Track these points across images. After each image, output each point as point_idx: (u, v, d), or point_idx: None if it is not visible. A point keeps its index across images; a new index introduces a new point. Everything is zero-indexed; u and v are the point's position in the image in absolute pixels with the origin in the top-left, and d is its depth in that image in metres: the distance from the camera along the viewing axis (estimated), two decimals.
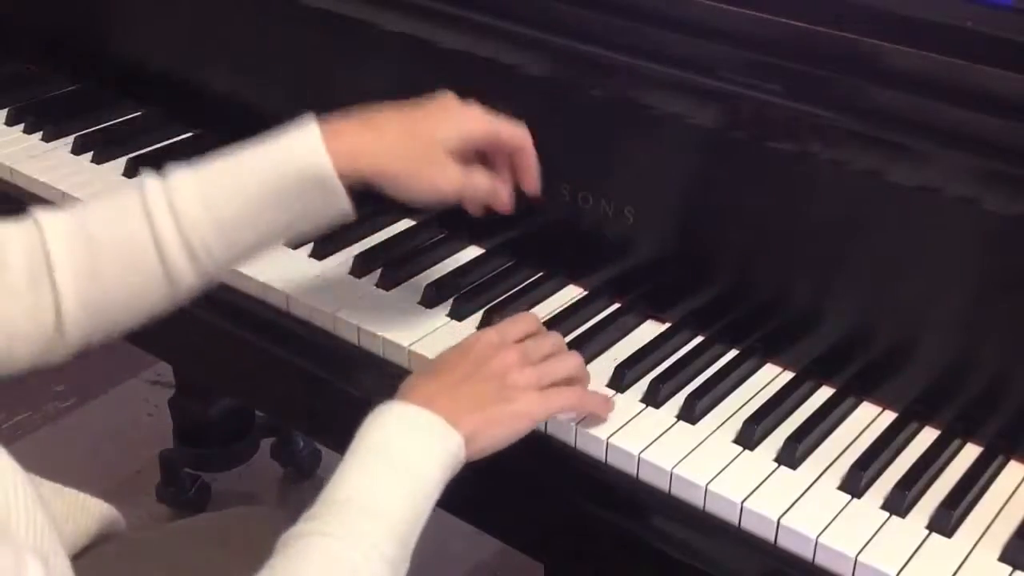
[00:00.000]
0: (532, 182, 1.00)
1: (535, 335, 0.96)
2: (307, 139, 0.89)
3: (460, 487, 0.85)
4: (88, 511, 1.01)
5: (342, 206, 0.91)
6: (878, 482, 0.92)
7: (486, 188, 0.97)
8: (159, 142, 1.39)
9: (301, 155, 0.89)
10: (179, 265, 0.88)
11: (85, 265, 0.86)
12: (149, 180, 0.88)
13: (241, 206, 0.88)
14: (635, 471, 0.93)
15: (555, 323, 1.07)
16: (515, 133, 0.98)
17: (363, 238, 1.20)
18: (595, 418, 0.95)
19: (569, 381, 0.94)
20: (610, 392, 1.00)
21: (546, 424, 0.95)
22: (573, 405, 0.94)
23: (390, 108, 0.94)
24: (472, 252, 1.19)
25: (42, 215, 0.87)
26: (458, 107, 0.95)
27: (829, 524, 0.87)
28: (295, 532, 0.79)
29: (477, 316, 1.09)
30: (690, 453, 0.93)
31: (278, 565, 0.77)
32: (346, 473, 0.82)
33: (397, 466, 0.82)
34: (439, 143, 0.92)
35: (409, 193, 0.93)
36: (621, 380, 1.00)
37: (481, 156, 0.98)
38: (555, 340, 0.96)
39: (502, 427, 0.88)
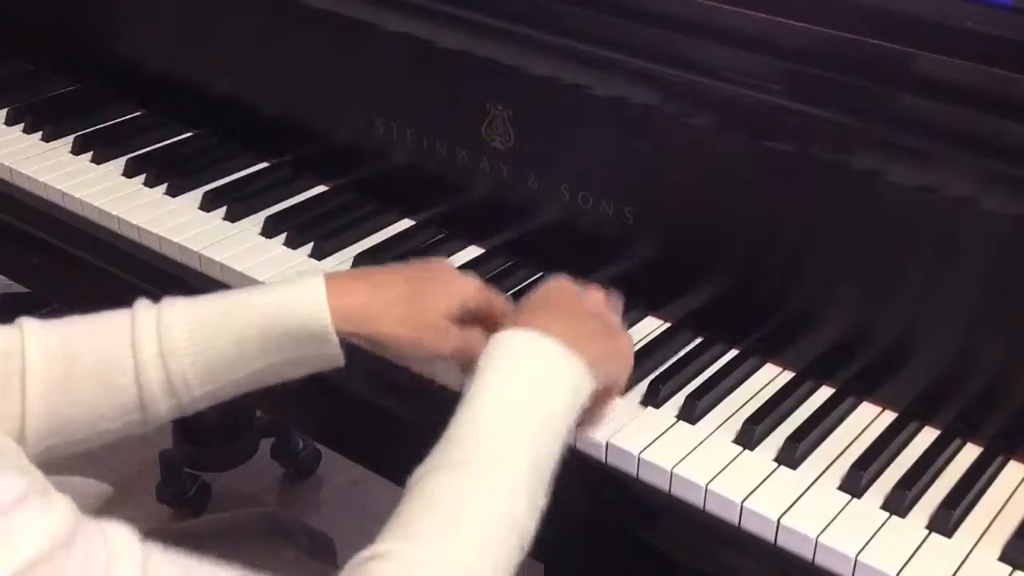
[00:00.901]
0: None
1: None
2: (311, 294, 0.90)
3: None
4: (85, 494, 1.01)
5: (334, 359, 0.92)
6: (878, 482, 0.92)
7: (481, 344, 0.98)
8: (159, 142, 1.39)
9: (303, 308, 0.90)
10: (155, 396, 0.88)
11: (59, 376, 0.86)
12: (141, 307, 0.89)
13: (232, 350, 0.89)
14: (635, 471, 0.93)
15: None
16: (505, 306, 1.00)
17: (363, 238, 1.20)
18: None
19: None
20: None
21: None
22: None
23: (393, 271, 0.97)
24: (472, 252, 1.19)
25: (27, 321, 0.87)
26: (457, 279, 0.98)
27: (829, 524, 0.87)
28: (426, 469, 0.77)
29: None
30: (690, 453, 0.93)
31: (411, 506, 0.75)
32: (477, 402, 0.81)
33: (530, 385, 0.82)
34: (440, 310, 0.94)
35: (407, 356, 0.98)
36: None
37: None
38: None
39: (612, 363, 0.91)
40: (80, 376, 0.87)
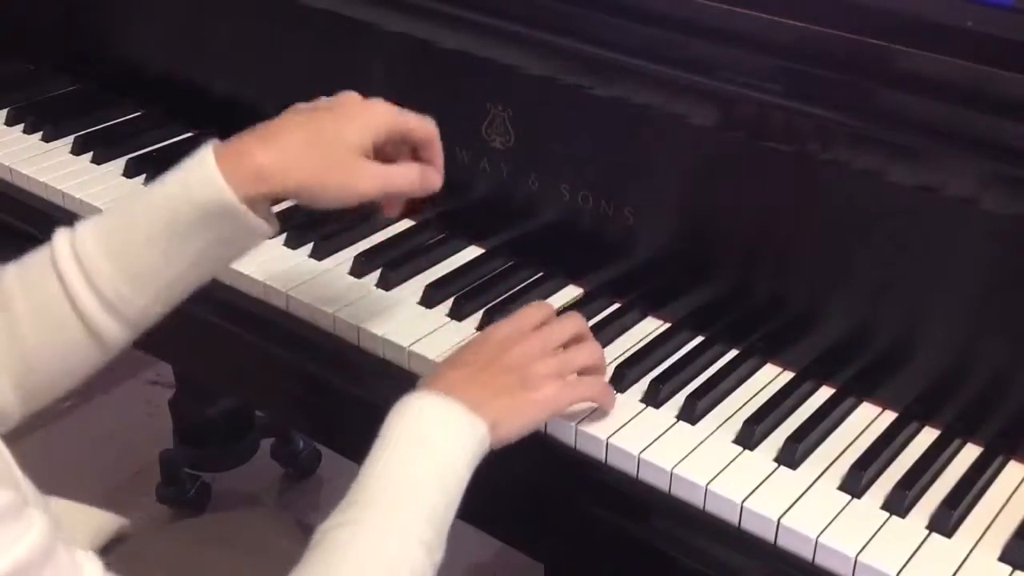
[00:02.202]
0: (438, 176, 0.95)
1: (552, 322, 0.96)
2: (202, 171, 0.85)
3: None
4: (100, 528, 1.01)
5: (259, 228, 0.87)
6: (878, 482, 0.92)
7: (413, 175, 0.92)
8: (159, 142, 1.39)
9: (197, 189, 0.84)
10: (99, 319, 0.86)
11: (4, 330, 0.86)
12: (58, 236, 0.87)
13: (150, 251, 0.85)
14: (635, 471, 0.93)
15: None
16: (423, 124, 0.93)
17: (363, 238, 1.20)
18: (603, 412, 0.96)
19: (589, 369, 0.95)
20: None
21: (546, 424, 0.95)
22: (593, 396, 0.95)
23: (290, 117, 0.90)
24: (472, 252, 1.19)
25: None
26: (361, 105, 0.91)
27: (829, 524, 0.87)
28: (328, 525, 0.79)
29: (477, 316, 1.09)
30: (690, 453, 0.93)
31: (313, 559, 0.78)
32: (374, 464, 0.83)
33: (424, 454, 0.83)
34: (348, 145, 0.88)
35: (326, 202, 0.88)
36: (621, 380, 1.00)
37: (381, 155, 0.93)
38: (575, 323, 0.96)
39: (524, 415, 0.89)
40: (26, 325, 0.86)
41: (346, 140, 0.88)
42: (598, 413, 0.96)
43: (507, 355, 0.90)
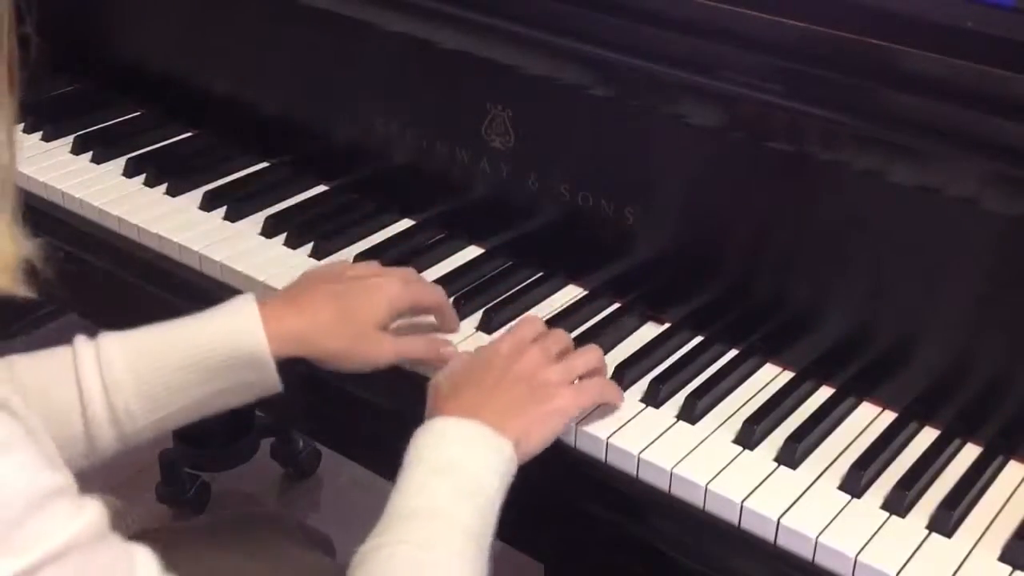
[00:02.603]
0: (452, 328, 1.06)
1: (544, 335, 0.97)
2: (246, 321, 0.93)
3: None
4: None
5: (272, 384, 0.95)
6: (878, 482, 0.92)
7: (422, 349, 1.01)
8: (159, 142, 1.39)
9: (239, 336, 0.93)
10: (101, 428, 0.90)
11: None
12: (81, 342, 0.90)
13: (173, 380, 0.91)
14: (635, 471, 0.93)
15: (555, 323, 1.07)
16: (433, 296, 1.04)
17: (363, 238, 1.20)
18: (608, 410, 0.97)
19: (591, 372, 0.96)
20: None
21: None
22: (604, 397, 0.96)
23: (319, 292, 0.99)
24: (472, 252, 1.19)
25: None
26: (381, 281, 1.01)
27: (829, 524, 0.87)
28: (370, 547, 0.79)
29: (477, 316, 1.09)
30: (690, 453, 0.93)
31: None
32: (406, 490, 0.83)
33: (456, 479, 0.83)
34: (371, 321, 0.98)
35: (344, 368, 0.99)
36: (621, 380, 1.00)
37: None
38: (563, 334, 0.98)
39: (544, 426, 0.90)
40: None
41: (369, 317, 0.98)
42: (598, 413, 0.96)
43: (514, 369, 0.91)
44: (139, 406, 0.91)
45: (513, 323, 1.07)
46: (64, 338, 0.93)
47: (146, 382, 0.91)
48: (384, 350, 0.99)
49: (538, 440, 0.89)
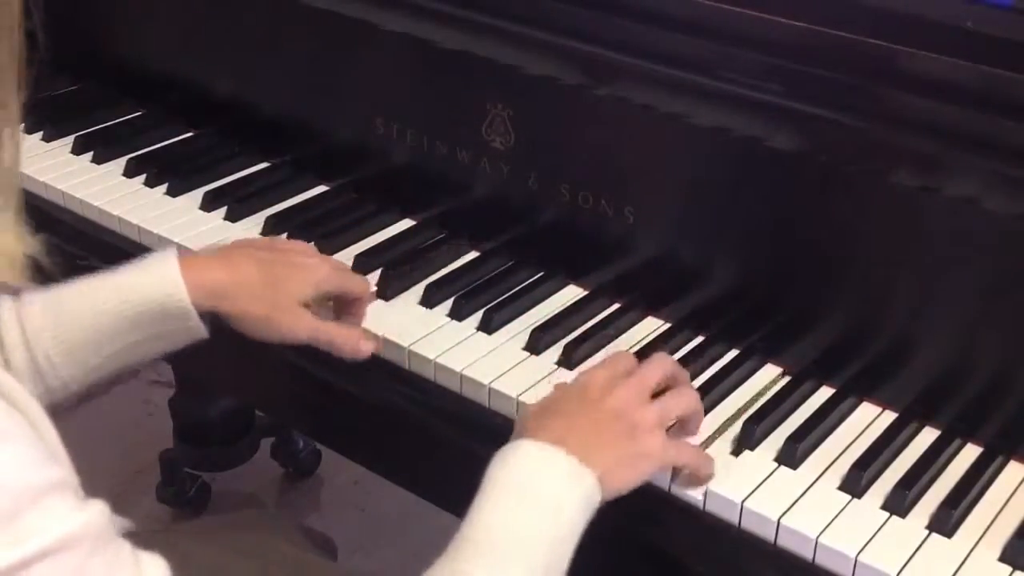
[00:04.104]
0: (362, 340, 1.03)
1: (642, 367, 0.92)
2: (165, 270, 0.94)
3: (460, 485, 0.85)
4: None
5: (196, 331, 0.96)
6: (878, 482, 0.92)
7: (339, 335, 1.01)
8: (159, 142, 1.39)
9: (156, 285, 0.93)
10: (22, 380, 0.89)
11: None
12: (2, 298, 0.90)
13: (92, 330, 0.92)
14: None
15: (554, 323, 1.07)
16: (361, 286, 1.05)
17: (363, 238, 1.20)
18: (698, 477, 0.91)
19: (687, 416, 0.92)
20: None
21: None
22: (694, 464, 0.90)
23: (250, 252, 1.00)
24: (472, 252, 1.19)
25: None
26: (313, 261, 1.02)
27: (829, 524, 0.87)
28: (437, 571, 0.77)
29: (477, 316, 1.09)
30: None
31: None
32: (483, 512, 0.79)
33: (536, 505, 0.79)
34: (295, 295, 0.98)
35: (259, 334, 0.98)
36: None
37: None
38: (664, 363, 0.92)
39: (631, 468, 0.85)
40: None
41: (294, 290, 0.99)
42: None
43: (607, 402, 0.87)
44: (60, 357, 0.91)
45: (513, 322, 1.08)
46: None
47: (65, 333, 0.91)
48: (301, 325, 0.98)
49: (625, 480, 0.85)
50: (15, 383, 0.61)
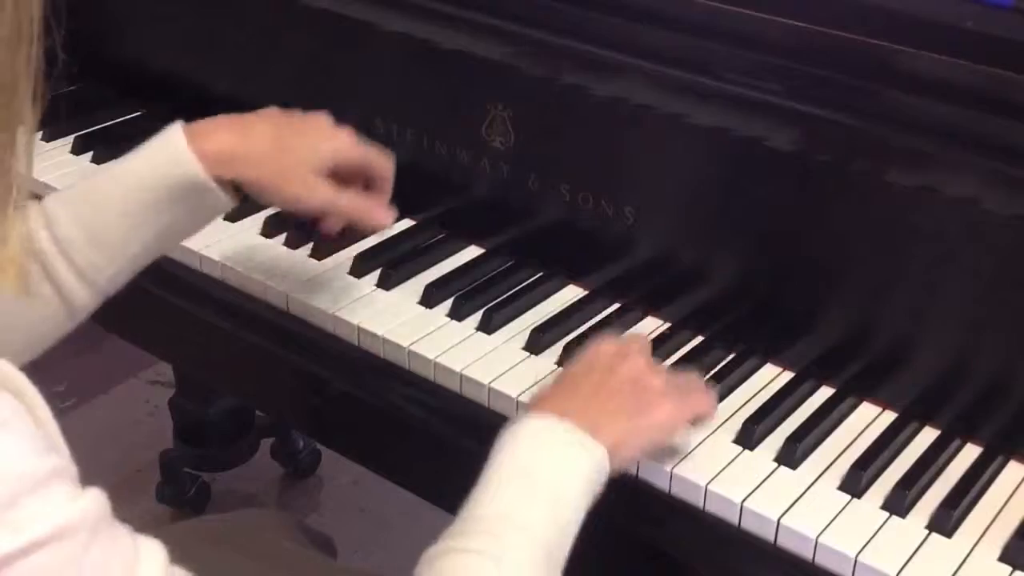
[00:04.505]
0: (384, 212, 1.01)
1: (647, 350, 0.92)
2: (172, 147, 0.91)
3: (461, 485, 0.85)
4: None
5: (222, 202, 0.93)
6: (878, 482, 0.92)
7: (359, 206, 0.98)
8: None
9: (168, 164, 0.91)
10: (71, 286, 0.90)
11: None
12: (30, 211, 0.89)
13: (121, 222, 0.91)
14: (635, 471, 0.93)
15: (555, 323, 1.07)
16: (382, 160, 1.01)
17: (363, 238, 1.20)
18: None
19: (691, 380, 0.93)
20: None
21: None
22: (707, 409, 0.91)
23: (264, 117, 0.96)
24: (472, 252, 1.19)
25: None
26: (330, 129, 0.98)
27: (829, 524, 0.87)
28: (438, 550, 0.76)
29: (477, 316, 1.09)
30: (690, 453, 0.93)
31: None
32: (487, 489, 0.79)
33: (540, 481, 0.79)
34: (310, 160, 0.95)
35: (275, 203, 0.97)
36: None
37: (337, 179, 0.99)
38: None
39: (642, 436, 0.86)
40: None
41: (309, 155, 0.95)
42: None
43: (618, 371, 0.87)
44: (99, 256, 0.90)
45: (513, 322, 1.08)
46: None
47: (96, 232, 0.90)
48: (315, 194, 0.95)
49: (635, 449, 0.85)
50: (14, 370, 0.61)
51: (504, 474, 0.80)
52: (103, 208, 0.90)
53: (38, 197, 1.30)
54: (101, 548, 0.61)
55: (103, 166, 0.92)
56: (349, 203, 0.98)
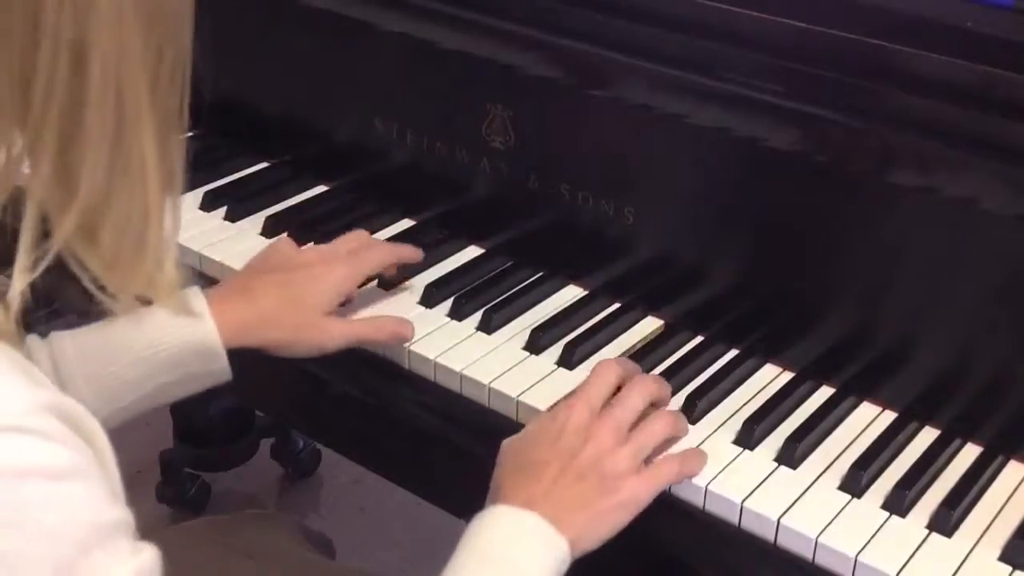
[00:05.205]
0: (414, 257, 1.11)
1: (618, 400, 0.91)
2: (197, 314, 0.94)
3: (460, 485, 0.85)
4: None
5: (223, 373, 0.96)
6: (878, 482, 0.92)
7: (372, 332, 1.03)
8: None
9: (189, 329, 0.93)
10: None
11: None
12: (33, 339, 0.90)
13: (125, 374, 0.92)
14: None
15: (554, 323, 1.07)
16: (378, 261, 1.07)
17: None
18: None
19: (667, 441, 0.91)
20: None
21: None
22: (676, 478, 0.90)
23: (265, 280, 1.00)
24: (472, 252, 1.19)
25: None
26: (325, 272, 1.02)
27: (829, 524, 0.87)
28: None
29: (477, 316, 1.09)
30: None
31: None
32: (457, 573, 0.80)
33: (503, 572, 0.80)
34: (317, 308, 1.00)
35: (294, 354, 1.01)
36: None
37: None
38: (647, 388, 0.92)
39: (606, 522, 0.85)
40: None
41: (316, 303, 1.00)
42: None
43: (580, 457, 0.86)
44: (93, 401, 0.90)
45: (513, 322, 1.08)
46: None
47: (100, 377, 0.91)
48: (333, 335, 1.00)
49: (597, 537, 0.85)
50: (88, 416, 0.61)
51: (471, 559, 0.81)
52: (114, 356, 0.92)
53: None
54: None
55: (118, 318, 0.93)
56: (368, 331, 1.02)
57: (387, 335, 1.02)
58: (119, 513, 0.61)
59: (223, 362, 0.95)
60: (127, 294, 0.66)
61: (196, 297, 0.95)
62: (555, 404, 0.93)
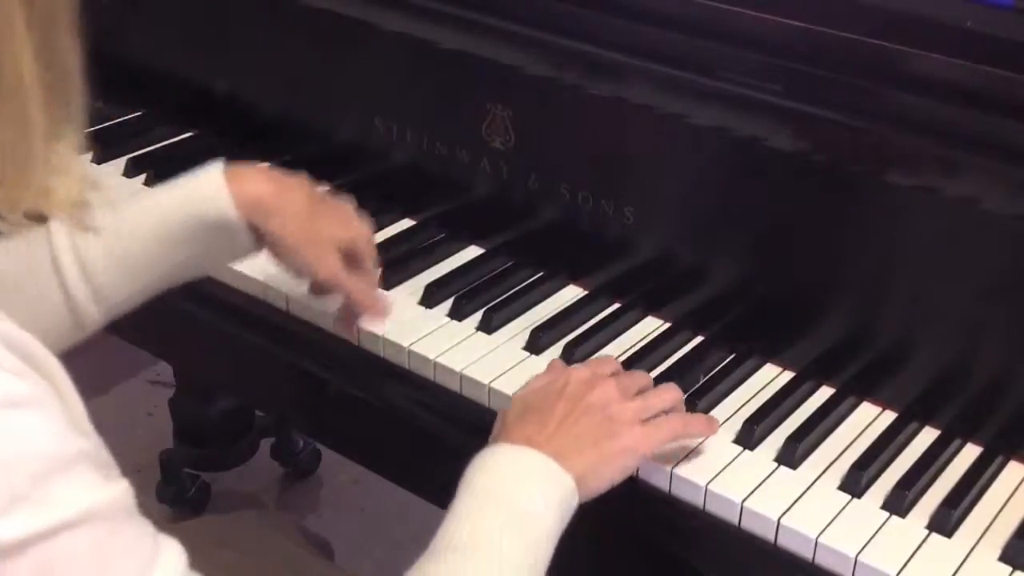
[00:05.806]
0: (383, 305, 1.06)
1: (623, 373, 0.93)
2: (210, 185, 0.94)
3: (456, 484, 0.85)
4: None
5: (246, 245, 0.96)
6: (878, 482, 0.92)
7: (356, 288, 1.02)
8: (159, 142, 1.39)
9: (204, 200, 0.93)
10: (85, 305, 0.91)
11: None
12: (55, 225, 0.89)
13: (146, 250, 0.93)
14: (635, 471, 0.93)
15: (554, 323, 1.07)
16: (372, 251, 1.05)
17: None
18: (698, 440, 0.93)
19: (669, 411, 0.92)
20: None
21: None
22: (679, 433, 0.91)
23: (300, 181, 1.00)
24: (472, 252, 1.19)
25: None
26: (355, 218, 1.03)
27: (829, 524, 0.87)
28: (413, 573, 0.77)
29: (477, 316, 1.09)
30: (690, 454, 0.93)
31: None
32: (457, 519, 0.79)
33: (508, 511, 0.79)
34: (331, 237, 0.99)
35: (284, 259, 1.00)
36: None
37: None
38: (645, 376, 0.94)
39: (610, 465, 0.85)
40: (8, 297, 0.88)
41: (333, 233, 1.00)
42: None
43: (587, 399, 0.87)
44: (119, 278, 0.92)
45: (513, 322, 1.08)
46: None
47: (121, 256, 0.92)
48: (328, 266, 0.99)
49: (605, 478, 0.85)
50: (47, 354, 0.60)
51: (474, 499, 0.80)
52: (131, 234, 0.92)
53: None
54: (124, 539, 0.61)
55: (138, 193, 0.93)
56: (355, 286, 1.02)
57: (370, 304, 1.03)
58: (80, 444, 0.60)
59: (244, 234, 0.95)
60: (16, 212, 0.64)
61: (214, 170, 0.95)
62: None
